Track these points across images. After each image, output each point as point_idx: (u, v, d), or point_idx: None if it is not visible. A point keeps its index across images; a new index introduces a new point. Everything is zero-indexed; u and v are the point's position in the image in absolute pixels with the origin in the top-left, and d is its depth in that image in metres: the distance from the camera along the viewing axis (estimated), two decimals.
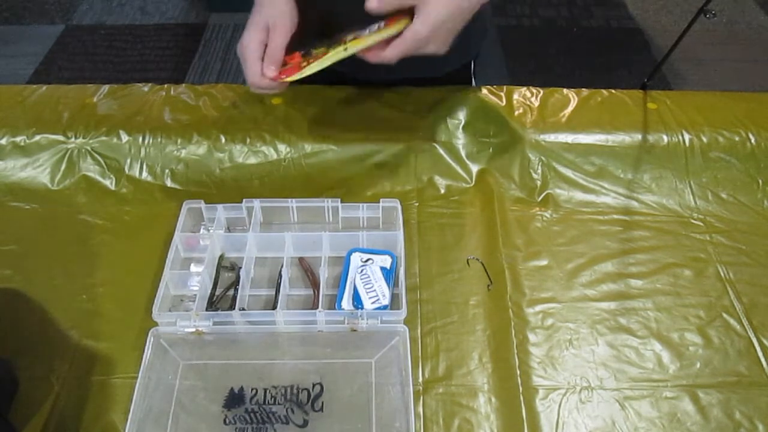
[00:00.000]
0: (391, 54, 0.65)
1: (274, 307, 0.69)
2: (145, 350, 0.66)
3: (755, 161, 0.88)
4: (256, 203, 0.78)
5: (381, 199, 0.80)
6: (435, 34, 0.64)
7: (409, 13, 0.65)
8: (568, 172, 0.88)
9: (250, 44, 0.69)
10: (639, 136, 0.89)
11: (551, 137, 0.89)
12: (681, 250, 0.81)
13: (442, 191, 0.87)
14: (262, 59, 0.68)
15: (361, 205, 0.80)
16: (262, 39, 0.69)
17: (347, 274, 0.74)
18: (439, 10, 0.63)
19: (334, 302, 0.72)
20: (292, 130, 0.88)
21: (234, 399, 0.65)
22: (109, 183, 0.86)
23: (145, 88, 0.95)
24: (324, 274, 0.74)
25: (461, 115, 0.90)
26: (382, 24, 0.67)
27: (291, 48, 0.70)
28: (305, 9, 0.75)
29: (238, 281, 0.73)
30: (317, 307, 0.69)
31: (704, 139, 0.89)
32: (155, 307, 0.67)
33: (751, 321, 0.73)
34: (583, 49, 2.54)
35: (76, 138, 0.87)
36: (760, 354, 0.70)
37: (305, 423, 0.63)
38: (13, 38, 2.55)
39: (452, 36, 0.66)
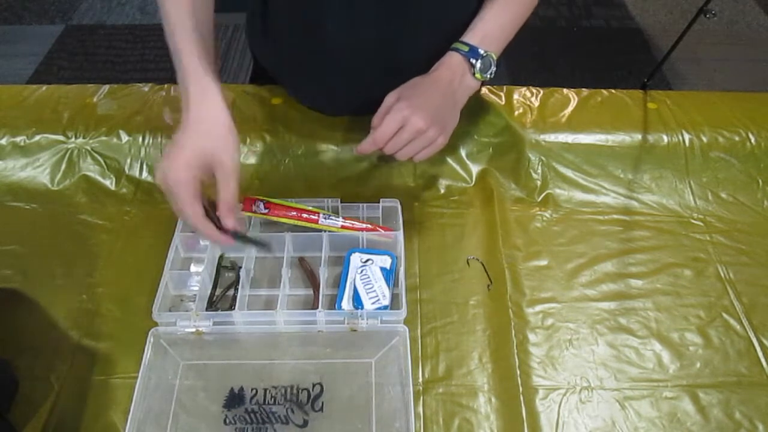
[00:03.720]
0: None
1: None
2: (145, 350, 0.66)
3: (755, 161, 0.88)
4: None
5: (381, 199, 0.80)
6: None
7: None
8: (568, 172, 0.88)
9: (187, 183, 0.59)
10: (639, 136, 0.89)
11: (551, 137, 0.88)
12: (681, 250, 0.81)
13: (442, 191, 0.87)
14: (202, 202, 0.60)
15: (361, 205, 0.80)
16: (196, 175, 0.59)
17: (347, 274, 0.74)
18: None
19: (334, 302, 0.72)
20: (292, 130, 0.88)
21: (234, 399, 0.65)
22: (109, 183, 0.86)
23: (145, 88, 0.95)
24: (324, 274, 0.74)
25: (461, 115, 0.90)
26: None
27: None
28: (290, 21, 0.74)
29: (238, 281, 0.73)
30: (317, 307, 0.69)
31: (704, 139, 0.89)
32: (155, 307, 0.67)
33: (751, 321, 0.73)
34: (583, 49, 2.53)
35: (76, 138, 0.87)
36: (760, 354, 0.70)
37: (305, 423, 0.63)
38: (13, 38, 2.55)
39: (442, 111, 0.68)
